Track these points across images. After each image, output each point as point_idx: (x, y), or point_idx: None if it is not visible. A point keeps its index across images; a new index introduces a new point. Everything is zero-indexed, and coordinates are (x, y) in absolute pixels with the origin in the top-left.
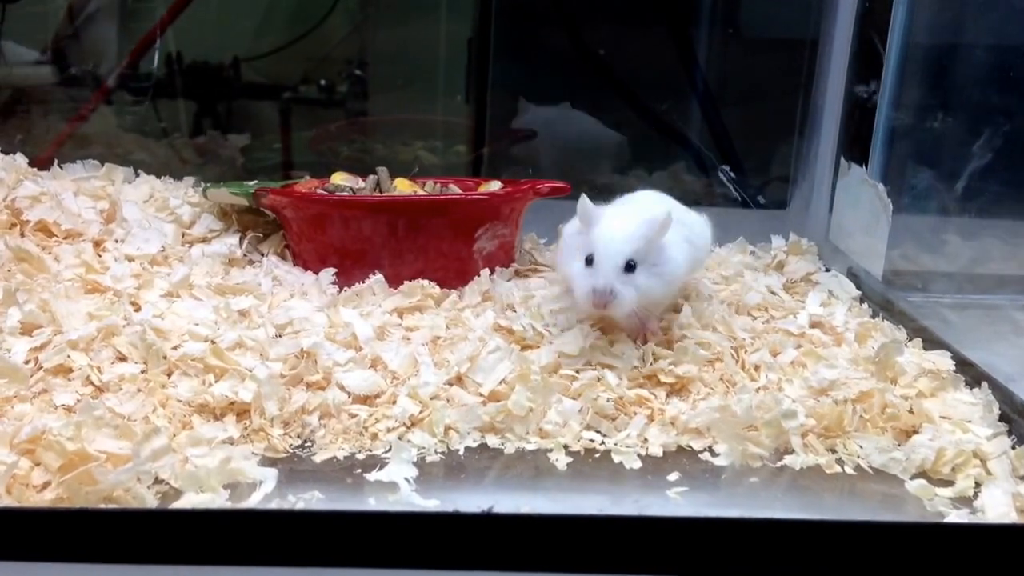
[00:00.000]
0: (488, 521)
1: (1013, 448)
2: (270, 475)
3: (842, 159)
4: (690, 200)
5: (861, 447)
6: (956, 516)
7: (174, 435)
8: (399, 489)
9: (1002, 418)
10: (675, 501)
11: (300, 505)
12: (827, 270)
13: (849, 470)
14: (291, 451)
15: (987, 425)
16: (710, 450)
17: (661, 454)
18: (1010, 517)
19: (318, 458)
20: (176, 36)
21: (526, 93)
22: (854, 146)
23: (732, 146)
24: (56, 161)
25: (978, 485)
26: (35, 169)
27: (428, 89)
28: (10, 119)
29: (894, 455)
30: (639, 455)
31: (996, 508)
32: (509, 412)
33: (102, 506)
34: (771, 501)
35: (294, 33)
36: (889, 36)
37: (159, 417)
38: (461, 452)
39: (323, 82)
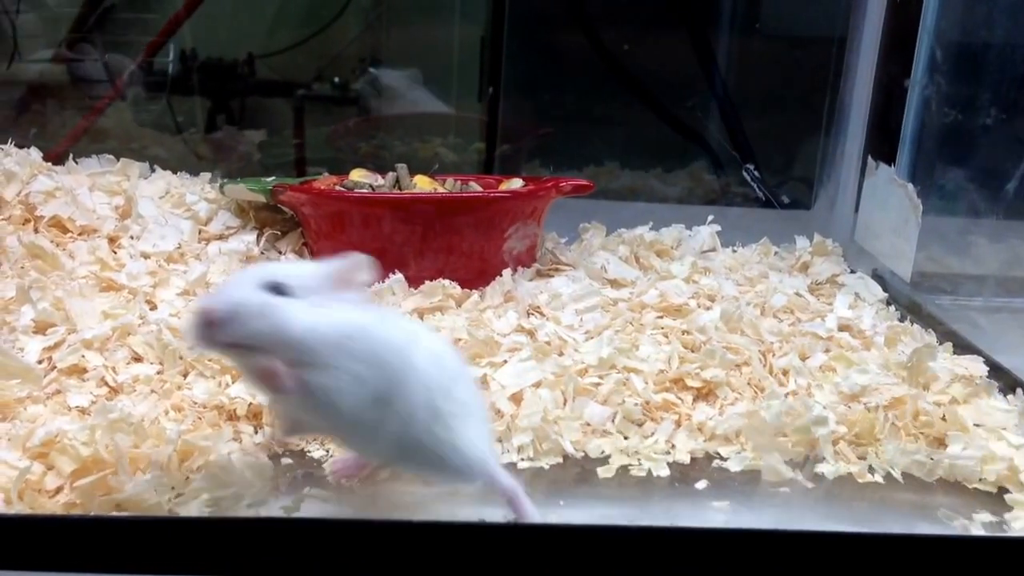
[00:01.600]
0: (513, 532)
1: None
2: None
3: (869, 158)
4: (709, 199)
5: (892, 455)
6: (986, 529)
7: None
8: (424, 499)
9: None
10: (706, 511)
11: (319, 513)
12: (852, 272)
13: (880, 479)
14: (308, 455)
15: (1021, 431)
16: (738, 456)
17: (689, 460)
18: None
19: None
20: (191, 33)
21: (539, 90)
22: (882, 145)
23: (750, 146)
24: (71, 155)
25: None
26: (50, 164)
27: (441, 88)
28: (25, 113)
29: (921, 460)
30: (667, 463)
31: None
32: (535, 418)
33: (117, 514)
34: (803, 511)
35: (308, 31)
36: (919, 33)
37: (170, 420)
38: None
39: (337, 79)
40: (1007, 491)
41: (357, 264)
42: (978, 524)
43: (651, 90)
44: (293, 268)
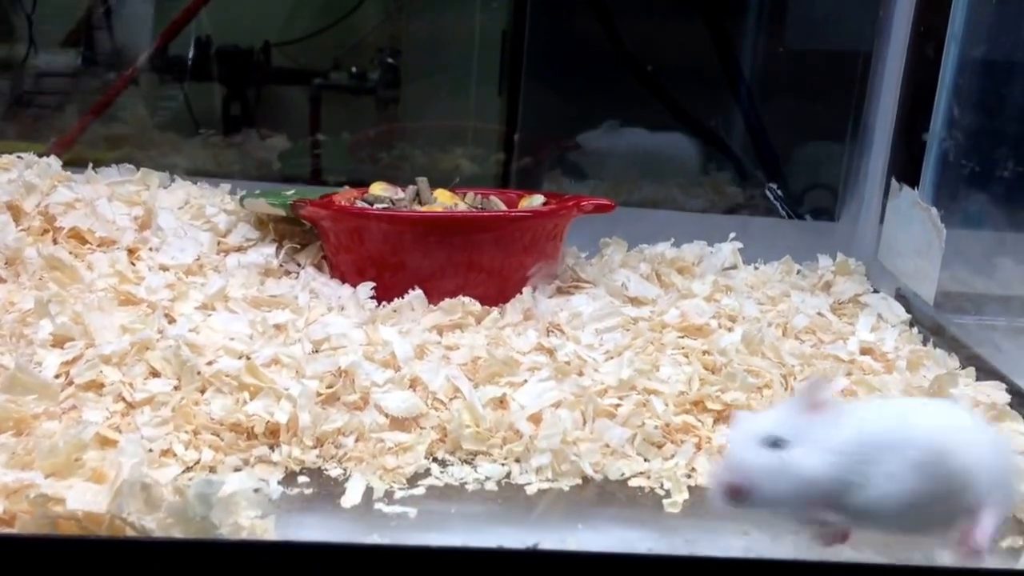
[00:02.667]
0: (533, 558)
1: None
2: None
3: (893, 179)
4: (732, 209)
5: None
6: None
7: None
8: (442, 521)
9: None
10: (724, 537)
11: (333, 536)
12: (875, 291)
13: None
14: (325, 473)
15: None
16: None
17: (709, 484)
18: None
19: (352, 484)
20: (207, 19)
21: (560, 88)
22: (906, 166)
23: (777, 159)
24: (91, 164)
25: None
26: (69, 173)
27: (461, 80)
28: (43, 118)
29: None
30: (688, 487)
31: None
32: (555, 439)
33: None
34: None
35: (327, 19)
36: (944, 55)
37: (180, 443)
38: (506, 482)
39: (354, 69)
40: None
41: (817, 387)
42: (1003, 552)
43: (675, 98)
44: (777, 417)
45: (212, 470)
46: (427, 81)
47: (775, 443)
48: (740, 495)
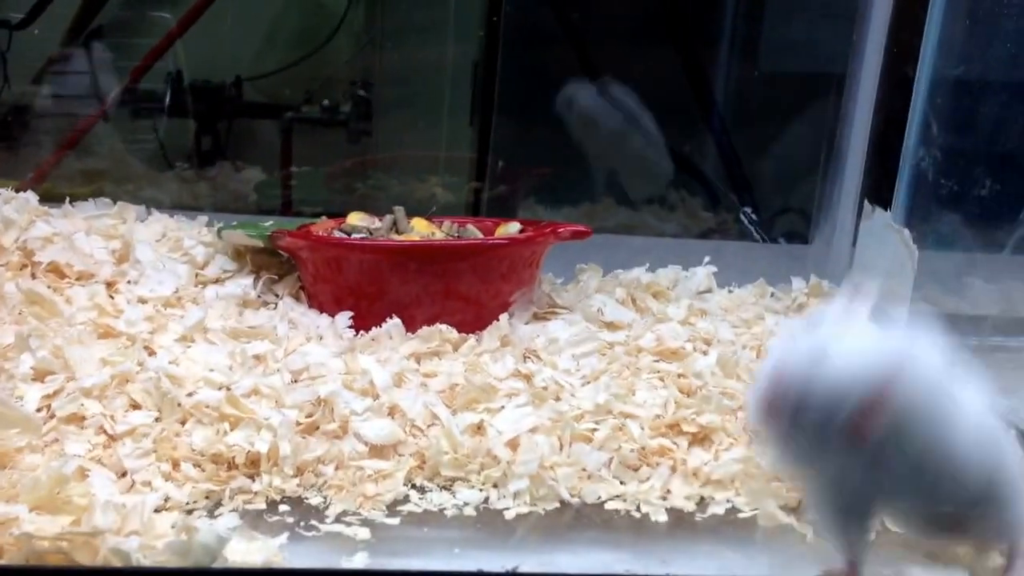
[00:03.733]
0: None
1: None
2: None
3: (866, 201)
4: (706, 234)
5: None
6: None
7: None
8: (421, 547)
9: None
10: (701, 558)
11: (315, 563)
12: None
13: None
14: (306, 502)
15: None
16: (734, 502)
17: (684, 506)
18: None
19: (332, 510)
20: (178, 56)
21: (532, 117)
22: (878, 188)
23: (749, 184)
24: (67, 199)
25: None
26: (47, 208)
27: (433, 112)
28: (17, 154)
29: None
30: (665, 509)
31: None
32: (532, 464)
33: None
34: (797, 559)
35: (298, 53)
36: (917, 76)
37: (161, 474)
38: (484, 507)
39: (326, 102)
40: None
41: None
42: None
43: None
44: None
45: (190, 512)
46: (399, 113)
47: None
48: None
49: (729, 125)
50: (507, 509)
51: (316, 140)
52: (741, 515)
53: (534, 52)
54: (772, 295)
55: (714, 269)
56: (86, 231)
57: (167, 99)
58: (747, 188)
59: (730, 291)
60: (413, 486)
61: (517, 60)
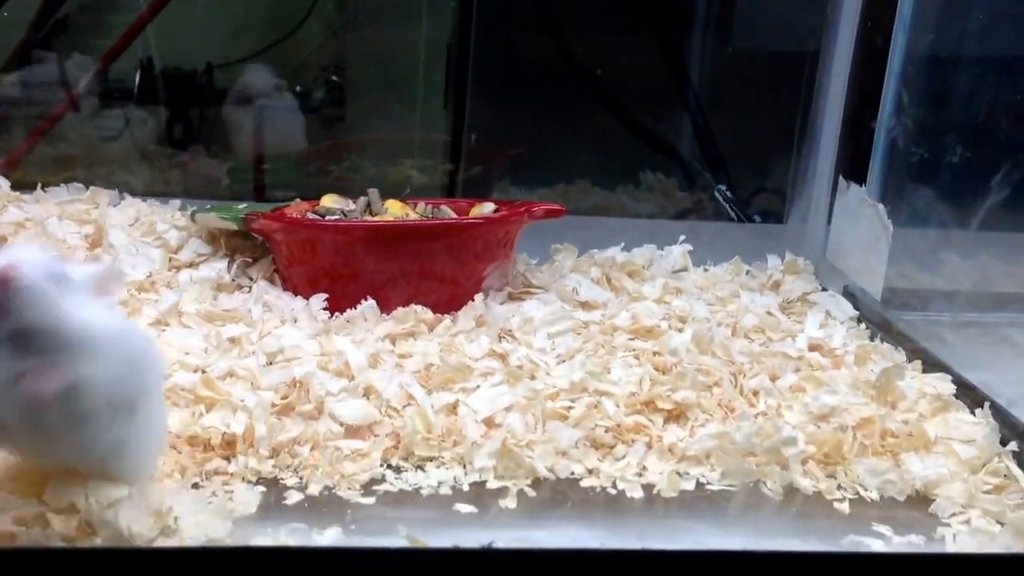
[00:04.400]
0: (488, 557)
1: (1005, 476)
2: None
3: (841, 177)
4: (682, 214)
5: (860, 474)
6: (956, 543)
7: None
8: (397, 524)
9: (1002, 442)
10: (676, 533)
11: (291, 541)
12: (824, 289)
13: (850, 496)
14: (282, 483)
15: (987, 449)
16: (709, 478)
17: (660, 482)
18: (1001, 546)
19: (308, 490)
20: (148, 42)
21: (506, 99)
22: (853, 164)
23: (724, 162)
24: (39, 185)
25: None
26: (19, 194)
27: (407, 95)
28: None
29: (890, 478)
30: (640, 485)
31: (988, 534)
32: (507, 443)
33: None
34: (772, 531)
35: (270, 39)
36: (890, 52)
37: None
38: (460, 486)
39: (299, 88)
40: (968, 506)
41: (115, 274)
42: (940, 539)
43: (623, 104)
44: (68, 265)
45: None
46: (372, 98)
47: (58, 280)
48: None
49: (704, 104)
50: (482, 487)
51: None
52: (715, 488)
53: (507, 33)
54: (748, 273)
55: (689, 248)
56: (59, 216)
57: (138, 86)
58: (722, 166)
59: (706, 270)
60: (389, 466)
61: (491, 41)
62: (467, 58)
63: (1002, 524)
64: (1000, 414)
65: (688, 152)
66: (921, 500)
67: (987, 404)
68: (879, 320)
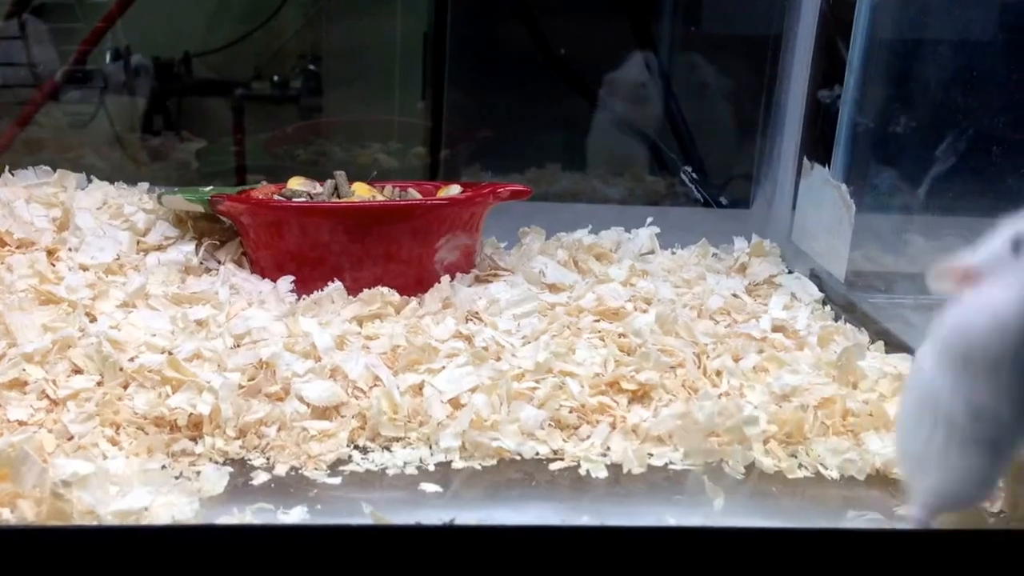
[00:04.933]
0: (450, 533)
1: None
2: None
3: (805, 159)
4: (652, 199)
5: (820, 452)
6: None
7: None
8: (362, 503)
9: None
10: (638, 510)
11: (256, 520)
12: (790, 272)
13: (810, 475)
14: (248, 463)
15: None
16: (672, 458)
17: (623, 462)
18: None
19: (278, 471)
20: (125, 31)
21: (482, 88)
22: (817, 146)
23: (694, 143)
24: (7, 167)
25: None
26: None
27: (384, 85)
28: None
29: (850, 457)
30: (605, 465)
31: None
32: (472, 423)
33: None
34: (732, 508)
35: (246, 27)
36: (852, 34)
37: (100, 437)
38: (430, 466)
39: (276, 78)
40: None
41: None
42: (899, 517)
43: (594, 88)
44: None
45: None
46: (349, 87)
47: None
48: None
49: (674, 88)
50: (447, 467)
51: (268, 117)
52: (677, 468)
53: (484, 21)
54: (714, 255)
55: (657, 230)
56: (26, 199)
57: (114, 75)
58: (691, 146)
59: (673, 252)
60: (355, 446)
61: (467, 30)
62: (444, 48)
63: None
64: None
65: (660, 137)
66: (881, 479)
67: None
68: (844, 302)
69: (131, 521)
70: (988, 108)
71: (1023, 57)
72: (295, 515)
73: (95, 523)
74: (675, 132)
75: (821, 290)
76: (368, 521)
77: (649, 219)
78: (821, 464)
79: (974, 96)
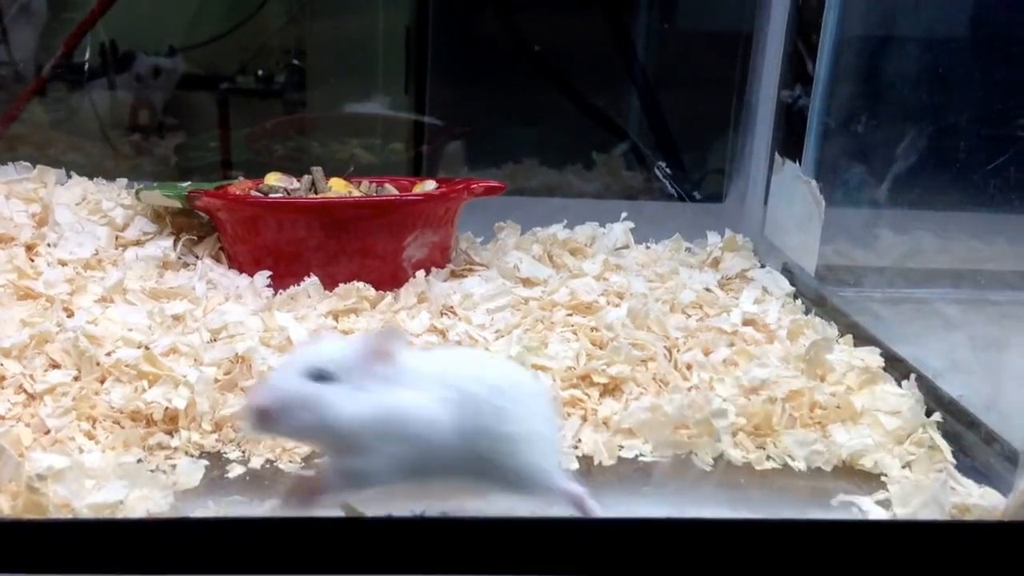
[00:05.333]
0: (419, 525)
1: (930, 447)
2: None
3: (776, 155)
4: (629, 194)
5: (788, 444)
6: (877, 511)
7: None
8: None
9: (928, 413)
10: (609, 502)
11: (230, 512)
12: (762, 266)
13: (778, 466)
14: (224, 456)
15: (912, 420)
16: (642, 450)
17: (594, 454)
18: (925, 514)
19: (253, 464)
20: (109, 26)
21: (465, 83)
22: (788, 142)
23: (672, 139)
24: None
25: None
26: None
27: (367, 79)
28: None
29: (817, 449)
30: (576, 457)
31: (910, 503)
32: None
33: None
34: (701, 499)
35: (231, 22)
36: (822, 31)
37: (77, 431)
38: None
39: (260, 72)
40: (884, 475)
41: (390, 336)
42: (861, 508)
43: (575, 86)
44: (334, 350)
45: None
46: (333, 82)
47: (320, 376)
48: (265, 419)
49: (652, 84)
50: None
51: (252, 111)
52: (648, 461)
53: (466, 17)
54: (688, 250)
55: (631, 225)
56: (6, 195)
57: (99, 70)
58: (672, 147)
59: (647, 247)
60: None
61: (449, 26)
62: (426, 42)
63: (925, 492)
64: (926, 386)
65: (636, 133)
66: (847, 470)
67: (913, 376)
68: (815, 296)
69: (106, 514)
70: (954, 105)
71: (988, 54)
72: (268, 508)
73: (70, 516)
74: (652, 127)
75: (792, 284)
76: (340, 514)
77: (623, 214)
78: (789, 456)
79: (941, 93)
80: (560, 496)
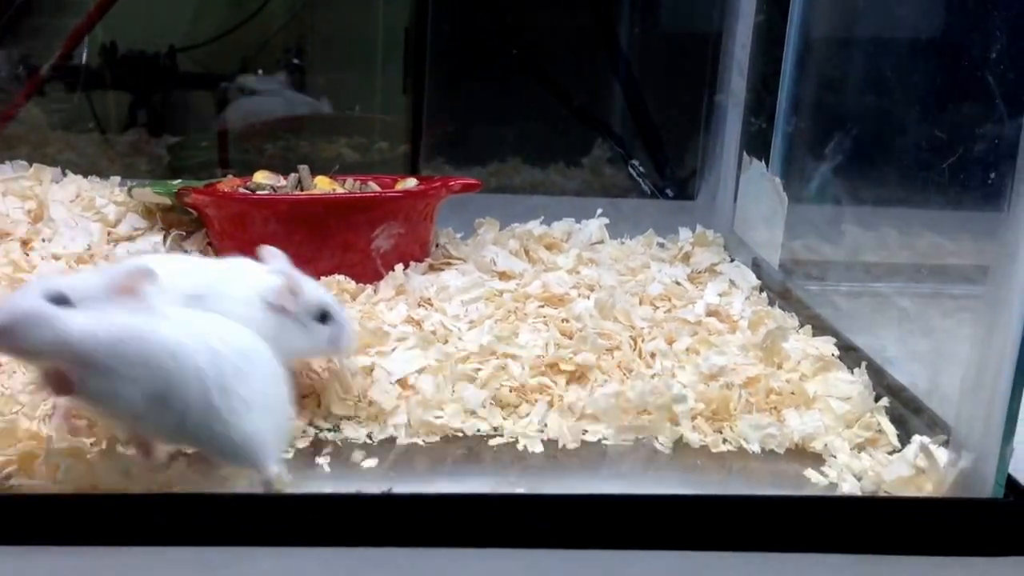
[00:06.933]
0: (386, 502)
1: (878, 430)
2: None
3: (744, 154)
4: (610, 192)
5: (743, 427)
6: (825, 489)
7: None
8: (312, 477)
9: (876, 398)
10: (570, 482)
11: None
12: (732, 260)
13: (733, 449)
14: None
15: (861, 405)
16: (605, 434)
17: (559, 438)
18: (867, 489)
19: None
20: (110, 25)
21: (462, 83)
22: (755, 141)
23: (658, 136)
24: None
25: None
26: None
27: (366, 79)
28: None
29: (771, 432)
30: (541, 440)
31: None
32: (418, 402)
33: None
34: (660, 480)
35: (231, 22)
36: (786, 34)
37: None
38: (373, 443)
39: (260, 72)
40: (833, 456)
41: (139, 272)
42: (810, 486)
43: (556, 81)
44: (76, 279)
45: None
46: (332, 81)
47: (58, 299)
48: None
49: (636, 86)
50: (393, 443)
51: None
52: (611, 444)
53: (463, 17)
54: (660, 245)
55: (606, 221)
56: (3, 192)
57: (100, 70)
58: (656, 139)
59: (621, 242)
60: (310, 424)
61: (447, 25)
62: (424, 44)
63: (870, 473)
64: (876, 373)
65: (620, 130)
66: (799, 452)
67: (863, 364)
68: (780, 289)
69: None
70: (916, 105)
71: (949, 54)
72: (245, 486)
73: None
74: (638, 125)
75: (759, 278)
76: (312, 491)
77: (599, 210)
78: (744, 439)
79: (902, 93)
80: (260, 471)
